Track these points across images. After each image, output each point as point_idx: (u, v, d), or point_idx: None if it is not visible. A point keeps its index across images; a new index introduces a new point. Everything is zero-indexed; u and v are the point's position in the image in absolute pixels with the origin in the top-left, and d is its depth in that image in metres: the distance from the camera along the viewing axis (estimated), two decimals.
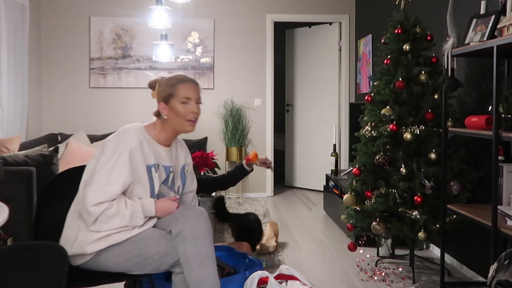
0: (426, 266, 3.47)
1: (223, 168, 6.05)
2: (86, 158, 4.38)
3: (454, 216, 3.01)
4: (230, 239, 3.97)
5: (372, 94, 3.29)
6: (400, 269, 3.40)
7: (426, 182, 2.95)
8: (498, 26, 2.48)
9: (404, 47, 3.16)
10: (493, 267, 1.77)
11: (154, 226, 2.04)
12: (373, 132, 3.20)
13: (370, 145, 3.20)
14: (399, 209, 3.06)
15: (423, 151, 3.11)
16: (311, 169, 6.65)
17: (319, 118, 6.57)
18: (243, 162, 3.20)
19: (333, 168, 5.06)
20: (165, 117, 2.05)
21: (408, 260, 3.50)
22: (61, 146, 5.02)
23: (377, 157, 3.11)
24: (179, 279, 1.96)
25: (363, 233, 3.26)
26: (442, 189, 2.92)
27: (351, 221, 3.29)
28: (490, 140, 2.86)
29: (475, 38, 2.63)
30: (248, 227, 3.66)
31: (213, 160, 4.04)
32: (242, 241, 3.56)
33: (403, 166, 3.04)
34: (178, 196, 2.12)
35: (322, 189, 5.50)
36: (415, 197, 2.97)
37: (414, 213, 2.99)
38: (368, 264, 3.53)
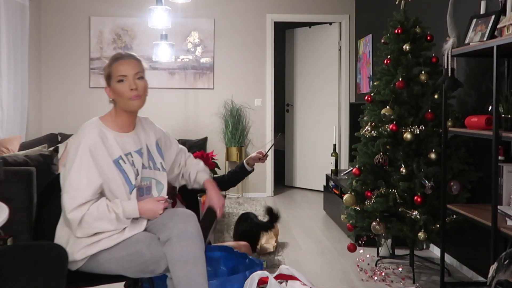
0: (426, 266, 3.47)
1: (223, 168, 6.05)
2: None
3: (454, 216, 3.01)
4: (230, 239, 3.97)
5: (372, 94, 3.29)
6: (400, 269, 3.40)
7: (426, 182, 2.95)
8: (498, 26, 2.48)
9: (404, 47, 3.16)
10: (493, 267, 1.77)
11: (146, 229, 2.00)
12: (373, 132, 3.20)
13: (370, 145, 3.20)
14: (399, 209, 3.06)
15: (423, 151, 3.10)
16: (311, 169, 6.65)
17: (319, 118, 6.57)
18: (244, 161, 3.20)
19: (333, 168, 5.06)
20: (111, 99, 2.01)
21: (408, 260, 3.50)
22: (61, 146, 5.02)
23: (377, 157, 3.11)
24: (172, 283, 1.93)
25: (363, 233, 3.26)
26: (442, 189, 2.92)
27: (351, 221, 3.29)
28: (490, 140, 2.86)
29: (475, 38, 2.63)
30: (248, 231, 3.66)
31: (213, 160, 4.04)
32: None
33: (403, 166, 3.04)
34: (166, 197, 2.04)
35: (322, 189, 5.50)
36: (415, 197, 2.97)
37: (414, 213, 2.99)
38: (368, 264, 3.53)
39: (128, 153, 1.99)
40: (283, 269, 2.48)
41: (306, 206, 5.66)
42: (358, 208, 3.22)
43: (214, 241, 3.57)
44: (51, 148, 3.51)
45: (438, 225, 3.00)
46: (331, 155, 5.11)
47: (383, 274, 3.30)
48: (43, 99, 6.08)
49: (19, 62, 5.17)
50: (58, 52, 6.06)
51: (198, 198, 3.33)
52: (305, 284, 2.40)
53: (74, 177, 1.87)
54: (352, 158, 3.74)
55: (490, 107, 2.67)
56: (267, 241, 3.81)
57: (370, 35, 5.60)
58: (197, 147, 5.40)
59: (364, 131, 3.27)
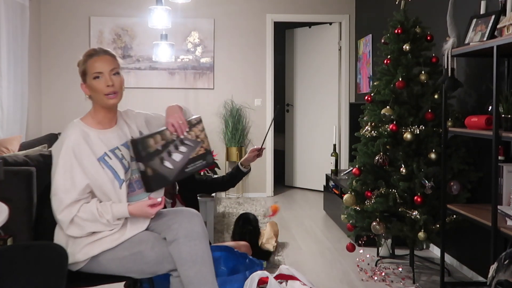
0: (426, 266, 3.47)
1: (223, 168, 6.05)
2: None
3: (454, 216, 3.01)
4: (230, 239, 3.97)
5: (372, 94, 3.29)
6: (400, 269, 3.40)
7: (426, 182, 2.95)
8: (498, 26, 2.48)
9: (404, 47, 3.16)
10: (493, 267, 1.77)
11: (148, 228, 1.99)
12: (373, 132, 3.20)
13: (370, 145, 3.20)
14: (399, 209, 3.06)
15: (423, 151, 3.10)
16: (311, 169, 6.65)
17: (319, 118, 6.57)
18: (239, 163, 3.23)
19: (333, 168, 5.06)
20: (86, 96, 1.99)
21: (408, 260, 3.50)
22: None
23: (377, 157, 3.11)
24: (176, 281, 1.93)
25: (363, 233, 3.26)
26: (442, 189, 2.92)
27: (351, 221, 3.29)
28: (490, 140, 2.86)
29: (475, 38, 2.63)
30: (242, 231, 3.67)
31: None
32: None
33: (403, 166, 3.04)
34: (159, 200, 1.96)
35: (322, 189, 5.50)
36: (415, 197, 2.97)
37: (414, 213, 2.99)
38: (368, 264, 3.53)
39: (115, 148, 1.97)
40: (283, 269, 2.48)
41: (306, 206, 5.66)
42: (358, 208, 3.22)
43: (214, 241, 3.57)
44: (51, 148, 3.51)
45: (438, 225, 3.00)
46: (331, 155, 5.10)
47: (383, 274, 3.30)
48: (43, 99, 6.08)
49: (19, 62, 5.17)
50: (58, 52, 6.06)
51: (198, 198, 3.33)
52: (305, 284, 2.40)
53: (60, 180, 1.87)
54: (352, 158, 3.74)
55: (490, 107, 2.67)
56: (267, 241, 3.81)
57: (370, 35, 5.60)
58: None
59: (364, 131, 3.27)
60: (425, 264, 3.52)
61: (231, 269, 2.80)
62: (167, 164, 2.03)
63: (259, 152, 3.19)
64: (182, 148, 2.11)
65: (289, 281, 2.42)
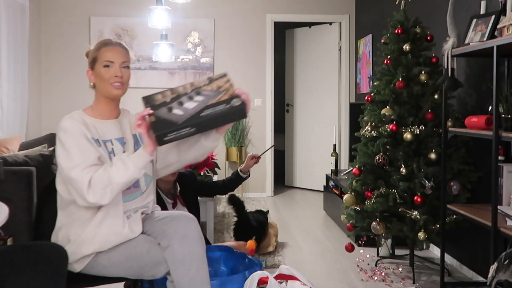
0: (426, 266, 3.47)
1: (223, 168, 6.05)
2: None
3: (454, 216, 3.01)
4: (230, 239, 3.97)
5: (372, 94, 3.29)
6: (400, 269, 3.40)
7: (426, 182, 2.95)
8: (498, 26, 2.48)
9: (404, 47, 3.16)
10: (493, 267, 1.77)
11: (144, 232, 1.96)
12: (373, 132, 3.21)
13: (370, 145, 3.20)
14: (399, 209, 3.06)
15: (423, 151, 3.11)
16: (311, 169, 6.65)
17: (319, 118, 6.57)
18: (238, 169, 3.31)
19: (333, 168, 5.06)
20: (91, 83, 1.97)
21: (408, 260, 3.50)
22: None
23: (377, 157, 3.11)
24: (172, 285, 1.91)
25: (363, 233, 3.26)
26: (442, 189, 2.92)
27: (351, 221, 3.29)
28: (490, 140, 2.86)
29: (475, 38, 2.63)
30: (248, 226, 3.67)
31: (213, 160, 4.04)
32: (241, 239, 3.58)
33: (403, 166, 3.04)
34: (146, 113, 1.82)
35: (322, 189, 5.50)
36: (415, 197, 2.97)
37: (414, 213, 2.99)
38: (368, 264, 3.53)
39: (107, 140, 1.93)
40: (283, 269, 2.49)
41: (306, 206, 5.66)
42: (358, 208, 3.22)
43: (214, 241, 3.58)
44: (51, 148, 3.52)
45: (438, 225, 3.00)
46: (331, 155, 5.10)
47: (383, 274, 3.30)
48: (43, 99, 6.08)
49: (19, 62, 5.17)
50: (58, 52, 6.06)
51: (198, 198, 3.34)
52: (305, 284, 2.40)
53: (72, 146, 1.80)
54: (352, 158, 3.74)
55: (490, 107, 2.67)
56: (267, 241, 3.81)
57: (370, 35, 5.60)
58: None
59: (364, 131, 3.27)
60: (425, 264, 3.52)
61: (231, 269, 2.81)
62: (176, 111, 1.78)
63: (256, 159, 3.29)
64: (198, 98, 1.84)
65: (289, 281, 2.42)
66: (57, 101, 6.08)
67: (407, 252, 3.59)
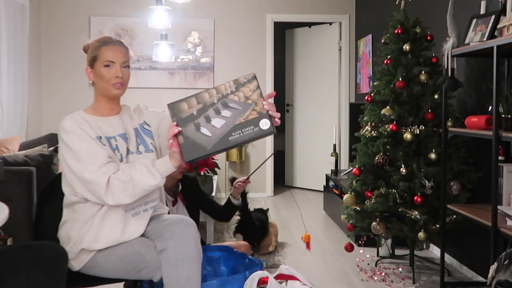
0: (426, 266, 3.47)
1: (223, 168, 6.06)
2: None
3: (454, 216, 3.01)
4: (230, 239, 3.97)
5: (372, 94, 3.29)
6: (400, 269, 3.40)
7: (426, 182, 2.95)
8: (498, 26, 2.48)
9: (404, 47, 3.16)
10: (493, 267, 1.77)
11: (144, 235, 1.96)
12: (373, 132, 3.21)
13: (370, 145, 3.20)
14: (399, 209, 3.06)
15: (423, 151, 3.11)
16: (311, 169, 6.65)
17: (319, 118, 6.57)
18: (230, 196, 3.20)
19: (333, 168, 5.06)
20: (91, 81, 1.95)
21: (408, 260, 3.50)
22: None
23: (377, 157, 3.11)
24: None
25: (363, 233, 3.26)
26: (442, 189, 2.92)
27: (351, 221, 3.29)
28: (490, 140, 2.86)
29: (475, 38, 2.63)
30: (249, 225, 3.67)
31: (213, 160, 4.04)
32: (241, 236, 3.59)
33: (403, 166, 3.04)
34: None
35: (322, 189, 5.50)
36: (415, 197, 2.97)
37: (414, 213, 2.99)
38: (368, 264, 3.53)
39: (111, 137, 1.91)
40: (283, 269, 2.48)
41: (306, 206, 5.66)
42: (358, 208, 3.22)
43: (214, 241, 3.57)
44: (51, 148, 3.51)
45: (438, 225, 3.00)
46: (331, 155, 5.10)
47: (383, 274, 3.30)
48: (43, 99, 6.08)
49: (19, 62, 5.17)
50: (58, 52, 6.06)
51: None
52: (305, 284, 2.40)
53: (82, 148, 1.78)
54: (352, 158, 3.74)
55: (490, 107, 2.67)
56: (267, 241, 3.81)
57: (370, 35, 5.60)
58: None
59: (364, 131, 3.27)
60: (425, 264, 3.52)
61: (231, 269, 2.81)
62: (204, 131, 1.72)
63: (245, 181, 3.18)
64: (225, 112, 1.73)
65: (289, 281, 2.42)
66: (57, 101, 6.08)
67: (407, 252, 3.59)
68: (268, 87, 6.27)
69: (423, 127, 3.07)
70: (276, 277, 2.42)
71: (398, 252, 3.65)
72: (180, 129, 1.74)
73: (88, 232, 1.86)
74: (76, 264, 1.90)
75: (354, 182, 3.27)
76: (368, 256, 3.68)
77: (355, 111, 4.67)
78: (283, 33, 7.11)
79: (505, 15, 2.51)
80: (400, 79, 3.10)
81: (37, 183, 2.97)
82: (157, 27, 4.69)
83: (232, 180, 3.61)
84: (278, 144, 7.08)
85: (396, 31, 3.20)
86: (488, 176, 2.98)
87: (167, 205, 2.96)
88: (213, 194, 3.95)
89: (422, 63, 3.17)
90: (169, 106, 1.81)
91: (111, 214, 1.87)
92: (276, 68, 6.53)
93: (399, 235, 3.17)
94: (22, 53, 5.24)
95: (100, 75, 1.92)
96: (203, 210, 3.24)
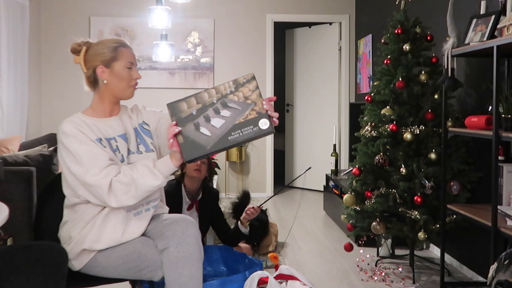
0: (426, 266, 3.47)
1: (223, 168, 6.06)
2: None
3: (454, 216, 3.01)
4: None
5: (372, 94, 3.29)
6: (400, 269, 3.40)
7: (426, 182, 2.95)
8: (498, 26, 2.48)
9: (404, 47, 3.16)
10: (493, 267, 1.77)
11: (145, 234, 1.96)
12: (373, 132, 3.21)
13: (370, 145, 3.20)
14: (399, 209, 3.06)
15: (423, 151, 3.11)
16: (311, 169, 6.64)
17: (319, 118, 6.57)
18: (238, 223, 3.21)
19: (333, 168, 5.06)
20: (105, 81, 1.91)
21: (408, 260, 3.50)
22: None
23: (377, 157, 3.11)
24: None
25: (363, 233, 3.26)
26: (442, 189, 2.92)
27: (351, 221, 3.29)
28: (490, 140, 2.86)
29: (475, 38, 2.63)
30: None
31: (213, 160, 4.04)
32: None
33: (403, 166, 3.04)
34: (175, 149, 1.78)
35: (322, 189, 5.50)
36: (415, 197, 2.97)
37: (414, 213, 2.99)
38: (368, 264, 3.53)
39: (111, 138, 1.91)
40: (283, 269, 2.49)
41: (306, 206, 5.66)
42: (358, 208, 3.22)
43: (214, 241, 3.57)
44: (51, 148, 3.52)
45: (438, 225, 3.00)
46: (331, 155, 5.11)
47: (383, 274, 3.30)
48: (43, 99, 6.08)
49: (19, 62, 5.18)
50: (58, 52, 6.06)
51: None
52: (305, 284, 2.40)
53: (82, 151, 1.78)
54: (352, 158, 3.74)
55: (490, 107, 2.67)
56: (267, 241, 3.81)
57: (370, 35, 5.60)
58: None
59: (364, 131, 3.27)
60: (425, 264, 3.52)
61: (231, 269, 2.81)
62: (204, 130, 1.73)
63: (257, 208, 3.19)
64: (225, 112, 1.75)
65: (289, 281, 2.42)
66: (57, 101, 6.08)
67: (407, 252, 3.59)
68: (268, 87, 6.27)
69: (423, 127, 3.07)
70: (276, 277, 2.42)
71: (398, 252, 3.65)
72: (179, 128, 1.75)
73: (90, 232, 1.86)
74: (77, 263, 1.90)
75: (354, 182, 3.27)
76: (368, 256, 3.68)
77: (355, 111, 4.67)
78: (283, 33, 7.11)
79: (505, 15, 2.51)
80: (400, 79, 3.10)
81: (37, 183, 2.97)
82: (157, 27, 4.69)
83: (234, 205, 3.63)
84: (278, 144, 7.08)
85: (396, 31, 3.20)
86: (488, 176, 2.98)
87: (181, 206, 2.99)
88: None
89: (422, 63, 3.17)
90: (169, 106, 1.82)
91: (113, 215, 1.87)
92: (276, 68, 6.53)
93: (399, 235, 3.17)
94: (22, 53, 5.24)
95: (119, 75, 1.91)
96: (213, 227, 3.26)
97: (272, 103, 1.77)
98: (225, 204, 5.66)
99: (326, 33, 6.52)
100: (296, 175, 6.85)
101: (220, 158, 5.99)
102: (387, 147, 3.14)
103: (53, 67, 6.07)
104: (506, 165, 2.50)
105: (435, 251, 3.77)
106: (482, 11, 2.83)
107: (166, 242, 1.84)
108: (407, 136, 3.02)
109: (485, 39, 2.52)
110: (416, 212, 2.98)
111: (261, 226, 3.73)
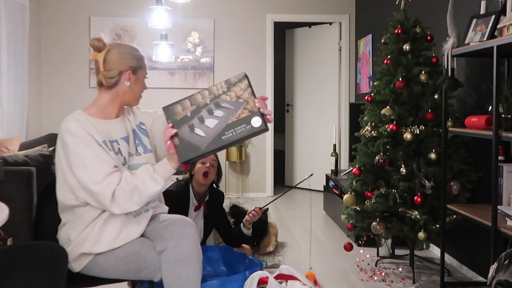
0: (426, 266, 3.47)
1: (223, 168, 6.04)
2: None
3: (454, 216, 3.01)
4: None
5: (372, 94, 3.29)
6: (400, 269, 3.40)
7: (426, 182, 2.95)
8: (498, 26, 2.48)
9: (404, 47, 3.16)
10: (493, 267, 1.77)
11: (144, 235, 1.96)
12: (373, 132, 3.21)
13: (370, 145, 3.20)
14: (399, 209, 3.06)
15: (423, 151, 3.11)
16: (311, 169, 6.64)
17: (319, 118, 6.57)
18: (241, 225, 3.26)
19: (333, 168, 5.06)
20: (127, 83, 1.91)
21: (408, 260, 3.50)
22: None
23: (377, 157, 3.11)
24: None
25: (363, 233, 3.26)
26: (442, 189, 2.92)
27: (351, 221, 3.29)
28: (490, 140, 2.86)
29: (475, 38, 2.63)
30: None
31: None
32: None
33: (403, 166, 3.04)
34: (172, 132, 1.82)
35: (322, 189, 5.50)
36: (415, 197, 2.97)
37: (414, 213, 2.99)
38: (368, 264, 3.53)
39: (113, 140, 1.91)
40: (283, 269, 2.48)
41: (306, 206, 5.66)
42: (358, 208, 3.22)
43: (214, 241, 3.57)
44: (51, 148, 3.51)
45: (438, 225, 3.00)
46: (331, 155, 5.11)
47: (383, 274, 3.30)
48: (43, 99, 6.08)
49: (19, 62, 5.17)
50: (58, 52, 6.06)
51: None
52: (305, 284, 2.40)
53: (87, 155, 1.77)
54: (352, 158, 3.74)
55: (490, 107, 2.67)
56: (267, 241, 3.81)
57: (370, 35, 5.60)
58: None
59: (364, 131, 3.27)
60: (425, 264, 3.52)
61: (231, 269, 2.81)
62: (198, 131, 1.77)
63: (260, 210, 3.23)
64: (218, 113, 1.78)
65: (289, 281, 2.42)
66: (57, 101, 6.08)
67: (407, 252, 3.59)
68: (268, 87, 6.27)
69: (423, 127, 3.07)
70: (276, 277, 2.42)
71: (398, 252, 3.65)
72: (175, 130, 1.79)
73: (90, 236, 1.86)
74: (76, 265, 1.90)
75: (354, 182, 3.27)
76: (368, 256, 3.68)
77: (355, 111, 4.67)
78: (283, 33, 7.11)
79: (505, 15, 2.51)
80: (400, 79, 3.10)
81: (37, 183, 2.97)
82: (157, 27, 4.69)
83: (232, 208, 3.65)
84: (278, 144, 7.08)
85: (396, 31, 3.20)
86: (488, 176, 2.98)
87: (188, 207, 3.01)
88: None
89: (422, 63, 3.17)
90: (164, 109, 1.86)
91: (113, 219, 1.87)
92: (276, 68, 6.53)
93: (399, 235, 3.17)
94: (22, 53, 5.24)
95: (141, 83, 1.99)
96: (216, 228, 3.29)
97: (266, 102, 1.80)
98: (225, 204, 5.66)
99: (326, 33, 6.52)
100: (296, 175, 6.85)
101: (220, 158, 5.98)
102: (387, 147, 3.14)
103: (53, 67, 6.07)
104: (506, 165, 2.50)
105: (435, 251, 3.77)
106: (482, 11, 2.83)
107: (164, 244, 1.84)
108: (407, 136, 3.02)
109: (485, 39, 2.52)
110: (416, 212, 2.98)
111: (260, 226, 3.73)
